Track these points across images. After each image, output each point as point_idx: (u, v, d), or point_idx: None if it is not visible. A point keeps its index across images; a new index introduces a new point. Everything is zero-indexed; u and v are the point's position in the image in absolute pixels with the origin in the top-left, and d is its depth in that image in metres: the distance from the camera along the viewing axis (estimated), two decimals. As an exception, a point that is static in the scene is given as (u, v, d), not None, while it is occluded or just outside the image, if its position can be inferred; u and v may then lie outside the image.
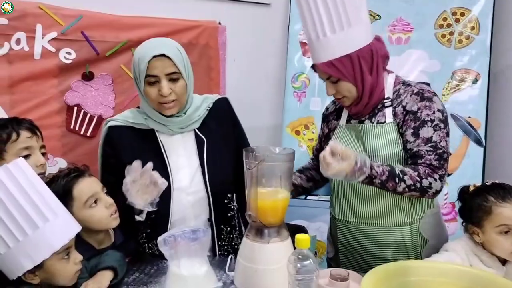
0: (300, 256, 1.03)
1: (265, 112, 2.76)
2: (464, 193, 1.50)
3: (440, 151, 1.44)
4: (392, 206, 1.52)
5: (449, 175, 2.55)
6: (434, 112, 1.46)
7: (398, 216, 1.53)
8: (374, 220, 1.54)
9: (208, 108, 1.68)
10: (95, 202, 1.41)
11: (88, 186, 1.42)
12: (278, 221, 1.33)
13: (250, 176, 1.28)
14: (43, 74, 1.99)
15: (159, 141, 1.61)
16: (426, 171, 1.42)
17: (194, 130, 1.65)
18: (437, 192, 1.44)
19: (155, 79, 1.51)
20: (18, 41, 1.92)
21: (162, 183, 1.45)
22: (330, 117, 1.71)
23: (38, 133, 1.52)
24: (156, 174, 1.45)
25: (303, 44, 2.70)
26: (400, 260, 1.51)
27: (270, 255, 1.30)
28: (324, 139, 1.73)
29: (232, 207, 1.70)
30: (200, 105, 1.66)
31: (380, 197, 1.52)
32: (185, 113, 1.62)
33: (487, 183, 1.46)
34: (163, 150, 1.60)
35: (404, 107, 1.49)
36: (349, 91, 1.49)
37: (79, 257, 1.26)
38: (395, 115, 1.50)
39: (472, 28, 2.53)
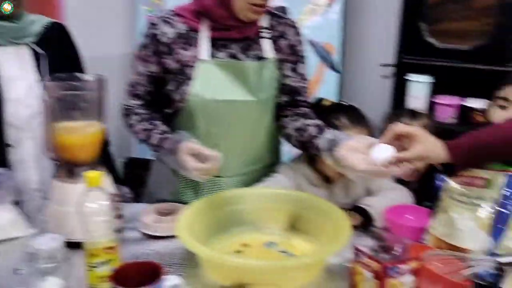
0: (93, 196, 0.92)
1: (114, 39, 2.51)
2: (317, 106, 1.45)
3: (308, 87, 1.44)
4: (263, 148, 1.45)
5: (305, 101, 2.59)
6: (304, 48, 1.42)
7: (272, 157, 1.48)
8: (247, 168, 1.43)
9: (46, 27, 1.53)
10: None
11: None
12: (90, 158, 1.19)
13: (48, 108, 1.11)
14: None
15: None
16: (312, 111, 1.41)
17: (29, 45, 1.48)
18: None
19: None
20: None
21: None
22: (174, 46, 1.31)
23: None
24: None
25: (153, -39, 2.44)
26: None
27: (83, 195, 1.17)
28: (171, 76, 1.32)
29: None
30: (36, 20, 1.52)
31: (252, 142, 1.42)
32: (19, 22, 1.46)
33: (345, 103, 1.46)
34: None
35: (289, 40, 1.38)
36: None
37: None
38: (278, 49, 1.37)
39: (327, -51, 2.47)
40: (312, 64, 2.53)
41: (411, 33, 2.30)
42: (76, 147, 1.16)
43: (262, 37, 1.35)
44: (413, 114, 1.46)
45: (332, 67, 2.59)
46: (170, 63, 1.32)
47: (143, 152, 2.54)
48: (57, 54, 1.53)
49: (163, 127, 1.32)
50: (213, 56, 1.31)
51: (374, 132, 1.41)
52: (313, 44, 2.55)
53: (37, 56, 1.49)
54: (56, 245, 1.04)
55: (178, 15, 1.33)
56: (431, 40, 2.25)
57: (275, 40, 1.36)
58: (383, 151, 1.02)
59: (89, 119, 1.18)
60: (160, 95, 1.37)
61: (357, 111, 1.41)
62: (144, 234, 1.26)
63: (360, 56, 2.71)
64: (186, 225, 1.08)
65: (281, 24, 1.38)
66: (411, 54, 2.32)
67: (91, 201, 0.92)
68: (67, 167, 1.18)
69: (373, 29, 2.65)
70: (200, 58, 1.29)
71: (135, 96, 1.39)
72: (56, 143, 1.16)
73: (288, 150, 1.51)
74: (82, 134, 1.16)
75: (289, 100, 1.41)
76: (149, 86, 1.37)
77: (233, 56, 1.33)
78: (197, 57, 1.30)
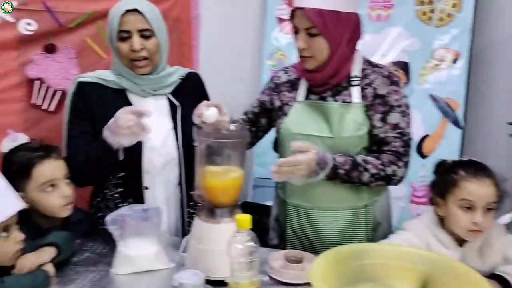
0: (240, 238, 0.98)
1: (240, 90, 2.68)
2: (439, 166, 1.44)
3: (406, 137, 1.45)
4: (349, 189, 1.47)
5: (425, 156, 2.52)
6: (401, 98, 1.45)
7: (355, 199, 1.49)
8: (330, 204, 1.48)
9: (182, 78, 1.69)
10: (52, 186, 1.36)
11: (50, 170, 1.36)
12: (231, 201, 1.28)
13: (199, 153, 1.22)
14: (1, 45, 1.89)
15: (130, 101, 1.58)
16: (390, 159, 1.43)
17: (167, 96, 1.63)
18: (402, 178, 1.47)
19: (127, 34, 1.51)
20: (-27, 11, 1.83)
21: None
22: (282, 88, 1.59)
23: None
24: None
25: (280, 20, 2.61)
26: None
27: (222, 235, 1.24)
28: (274, 111, 1.59)
29: None
30: (173, 72, 1.67)
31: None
32: (158, 74, 1.62)
33: (464, 158, 1.43)
34: None
35: (375, 89, 1.45)
36: (321, 51, 1.41)
37: (20, 236, 1.21)
38: (364, 96, 1.45)
39: (454, 6, 2.44)
40: (434, 119, 2.47)
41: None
42: (217, 191, 1.26)
43: (352, 85, 1.46)
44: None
45: (455, 123, 2.50)
46: (276, 100, 1.59)
47: (259, 197, 2.62)
48: (191, 102, 1.61)
49: None
50: (307, 98, 1.51)
51: (503, 186, 1.33)
52: (435, 99, 2.50)
53: (172, 105, 1.63)
54: (198, 280, 1.12)
55: (294, 67, 1.59)
56: None
57: (363, 87, 1.46)
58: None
59: (231, 164, 1.27)
60: (258, 118, 1.67)
61: (476, 163, 1.36)
62: (272, 278, 1.29)
63: (485, 113, 2.58)
64: (320, 275, 1.10)
65: (374, 73, 1.47)
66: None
67: (238, 242, 0.98)
68: (209, 208, 1.27)
69: (499, 86, 2.53)
70: (297, 99, 1.52)
71: (244, 113, 1.70)
72: (202, 185, 1.26)
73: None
74: (225, 178, 1.26)
75: (377, 149, 1.47)
76: (256, 108, 1.67)
77: (323, 99, 1.49)
78: (295, 98, 1.53)
